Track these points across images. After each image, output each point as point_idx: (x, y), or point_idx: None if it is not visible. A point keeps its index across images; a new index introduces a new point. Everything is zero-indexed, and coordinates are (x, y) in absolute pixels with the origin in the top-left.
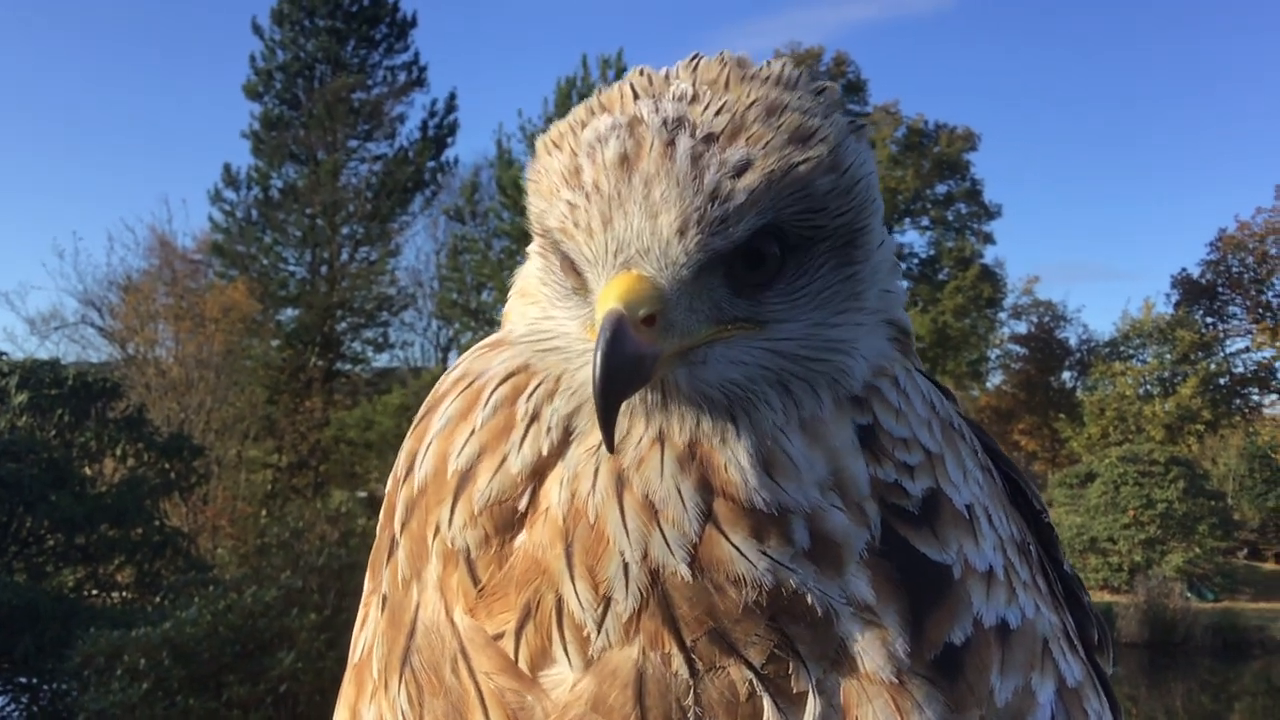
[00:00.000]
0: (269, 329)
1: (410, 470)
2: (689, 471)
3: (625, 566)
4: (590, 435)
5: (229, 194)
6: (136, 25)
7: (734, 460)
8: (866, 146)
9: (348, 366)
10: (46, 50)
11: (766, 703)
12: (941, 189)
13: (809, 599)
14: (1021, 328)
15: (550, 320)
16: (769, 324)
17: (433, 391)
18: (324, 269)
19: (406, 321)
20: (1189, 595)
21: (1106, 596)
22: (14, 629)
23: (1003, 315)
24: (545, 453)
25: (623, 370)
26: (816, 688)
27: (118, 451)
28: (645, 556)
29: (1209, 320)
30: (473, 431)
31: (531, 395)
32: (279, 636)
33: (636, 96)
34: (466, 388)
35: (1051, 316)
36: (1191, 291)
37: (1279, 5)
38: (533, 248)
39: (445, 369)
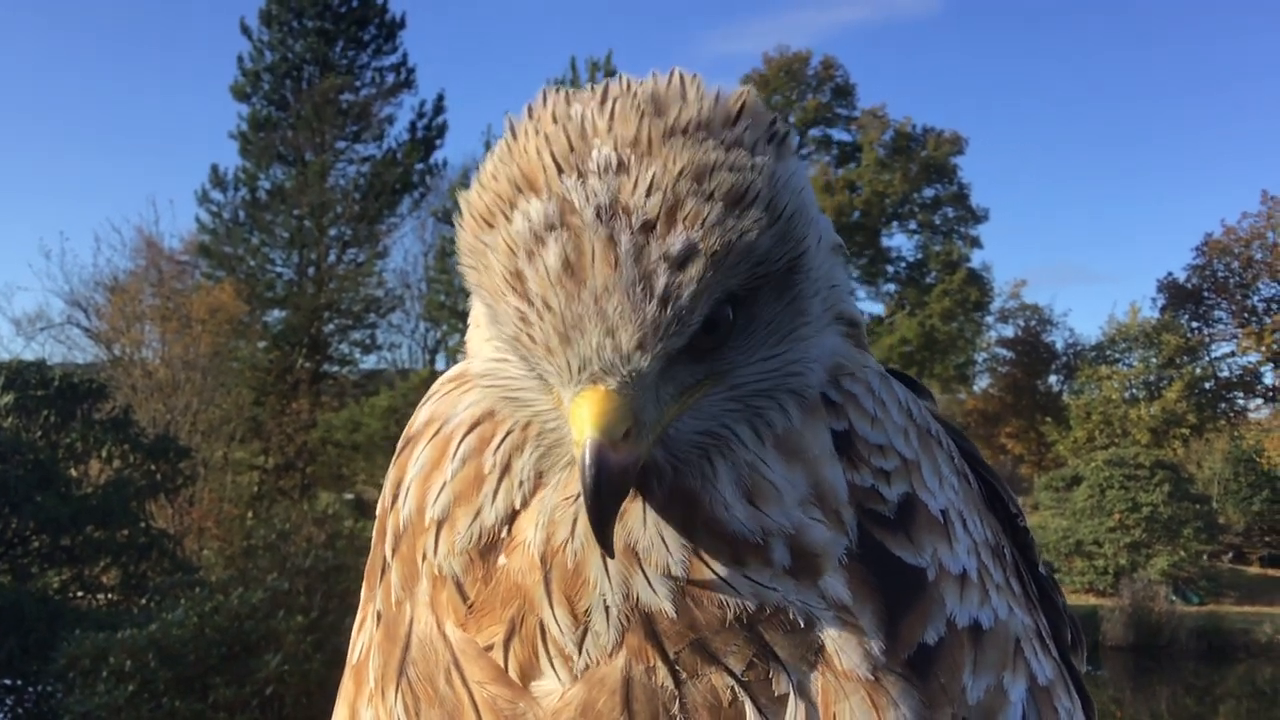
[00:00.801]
0: (256, 330)
1: (395, 500)
2: (672, 517)
3: (605, 603)
4: (568, 484)
5: (216, 195)
6: (124, 26)
7: (719, 499)
8: (793, 159)
9: (335, 368)
10: (33, 50)
11: (749, 707)
12: (929, 192)
13: (790, 613)
14: (1008, 331)
15: (506, 364)
16: (727, 373)
17: (409, 426)
18: (311, 270)
19: (394, 323)
20: (1174, 598)
21: (1092, 600)
22: None
23: (989, 319)
24: (518, 505)
25: (612, 488)
26: (797, 689)
27: (104, 453)
28: (627, 597)
29: (1195, 324)
30: (445, 483)
31: (499, 446)
32: (265, 638)
33: (560, 169)
34: (435, 434)
35: (1038, 320)
36: (1177, 296)
37: (1266, 9)
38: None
39: (434, 371)
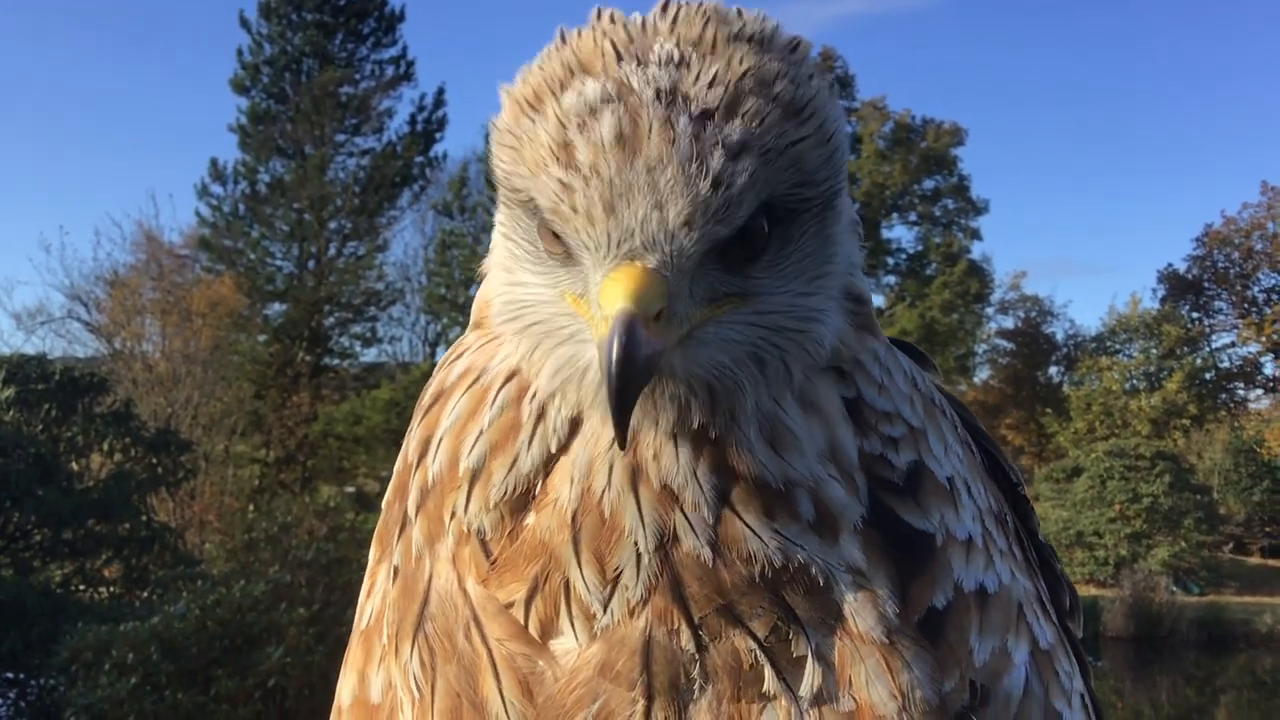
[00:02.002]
0: (256, 324)
1: (423, 457)
2: (704, 457)
3: (638, 555)
4: (604, 434)
5: (216, 188)
6: (123, 20)
7: (745, 440)
8: (838, 103)
9: (335, 361)
10: (31, 44)
11: (768, 671)
12: (929, 184)
13: (813, 570)
14: (1009, 323)
15: (520, 288)
16: (755, 296)
17: (439, 380)
18: (311, 264)
19: (394, 316)
20: (1174, 589)
21: (1092, 590)
22: (1, 625)
23: (990, 310)
24: (554, 450)
25: (637, 371)
26: (815, 652)
27: (105, 446)
28: (660, 544)
29: (1195, 315)
30: (481, 431)
31: (535, 396)
32: (267, 631)
33: (619, 56)
34: (473, 383)
35: (1038, 311)
36: (1178, 287)
37: (1265, 3)
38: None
39: (434, 364)
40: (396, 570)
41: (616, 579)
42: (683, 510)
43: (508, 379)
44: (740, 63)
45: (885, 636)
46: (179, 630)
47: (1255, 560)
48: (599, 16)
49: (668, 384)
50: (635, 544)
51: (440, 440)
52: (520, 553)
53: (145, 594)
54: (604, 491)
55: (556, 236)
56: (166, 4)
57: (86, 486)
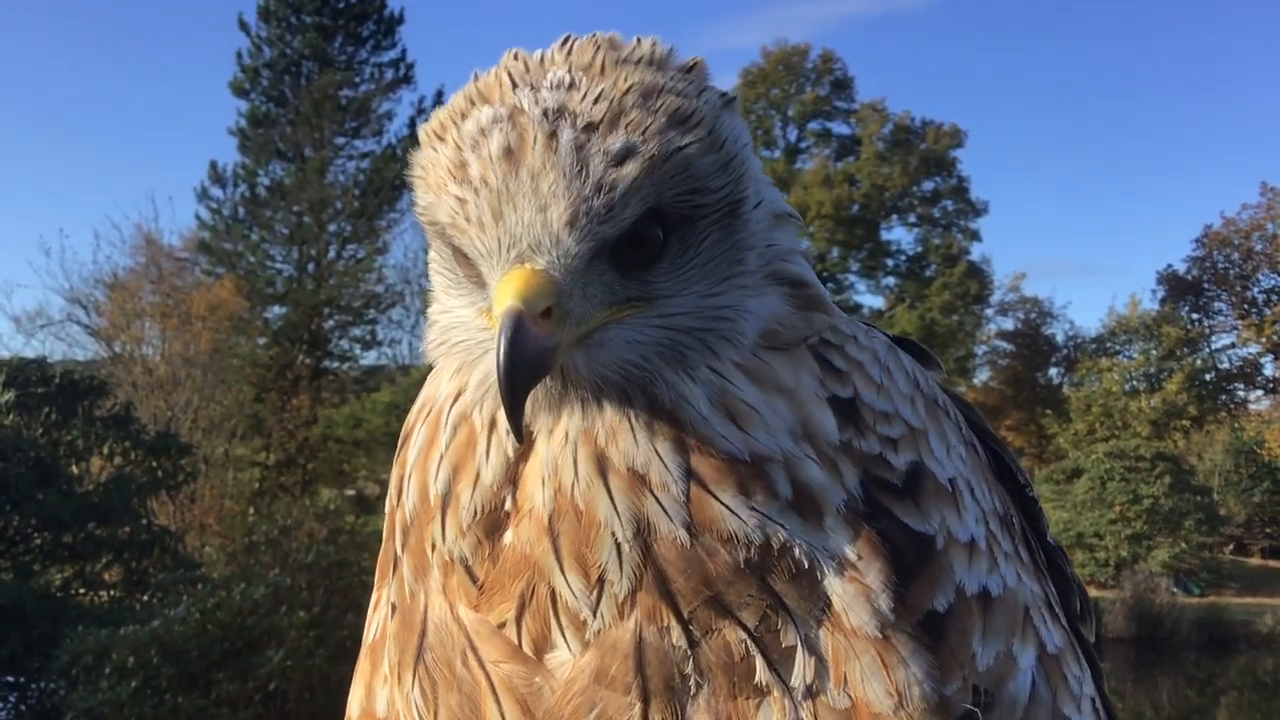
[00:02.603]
0: (256, 327)
1: (400, 495)
2: (661, 435)
3: (618, 547)
4: (556, 431)
5: (216, 191)
6: (122, 22)
7: (696, 414)
8: (739, 118)
9: (335, 364)
10: (32, 46)
11: (759, 662)
12: (928, 186)
13: (796, 551)
14: (1008, 324)
15: (447, 314)
16: (658, 300)
17: (405, 423)
18: (311, 266)
19: (394, 319)
20: (1175, 590)
21: (1093, 592)
22: (1, 628)
23: (989, 311)
24: (511, 455)
25: (526, 365)
26: (804, 643)
27: (105, 450)
28: (638, 532)
29: (1195, 316)
30: (441, 456)
31: (481, 407)
32: (268, 634)
33: (515, 85)
34: (428, 415)
35: (1038, 313)
36: (1177, 288)
37: (1265, 2)
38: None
39: (433, 368)
40: (394, 606)
41: (601, 580)
42: (652, 492)
43: (455, 399)
44: (625, 80)
45: (879, 631)
46: (179, 634)
47: (1256, 561)
48: (508, 55)
49: (575, 382)
50: (613, 535)
51: (410, 475)
52: (504, 572)
53: (145, 597)
54: (574, 485)
55: (468, 259)
56: (166, 6)
57: (87, 490)
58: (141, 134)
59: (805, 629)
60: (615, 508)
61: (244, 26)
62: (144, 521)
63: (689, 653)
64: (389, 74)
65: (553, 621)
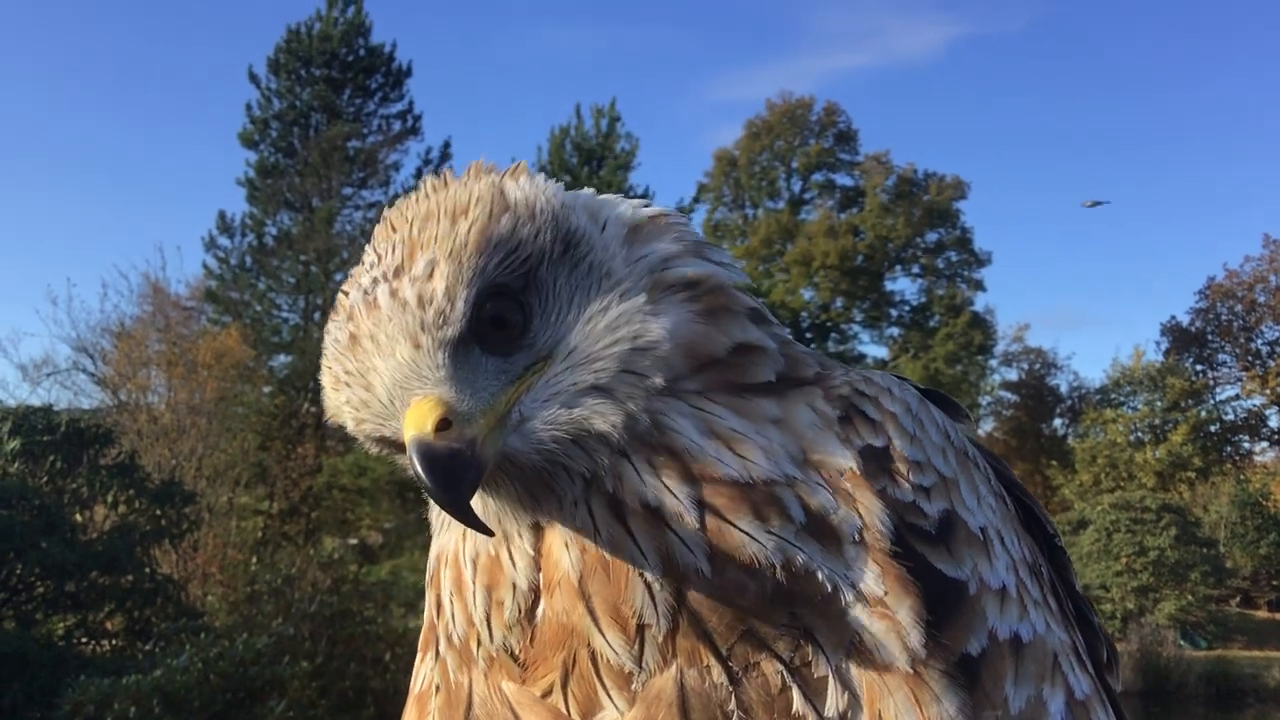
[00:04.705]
0: (261, 375)
1: (439, 610)
2: (662, 466)
3: (649, 588)
4: (565, 500)
5: (223, 241)
6: (132, 73)
7: (689, 443)
8: (528, 177)
9: None
10: (41, 96)
11: (796, 693)
12: (932, 237)
13: (819, 576)
14: (1012, 374)
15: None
16: (552, 354)
17: (428, 569)
18: (317, 315)
19: None
20: (1182, 643)
21: None
22: (3, 677)
23: (993, 362)
24: (532, 551)
25: (443, 472)
26: (836, 674)
27: (109, 498)
28: (666, 572)
29: (1199, 368)
30: (473, 581)
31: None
32: (270, 684)
33: (348, 294)
34: (449, 560)
35: (1042, 364)
36: (1181, 339)
37: (1266, 52)
38: None
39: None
40: (439, 686)
41: (641, 628)
42: (669, 525)
43: (464, 538)
44: (408, 220)
45: (910, 666)
46: (181, 683)
47: (1263, 614)
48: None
49: (534, 462)
50: (643, 578)
51: (450, 602)
52: (544, 644)
53: (148, 646)
54: (596, 538)
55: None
56: (176, 58)
57: (90, 538)
58: (150, 184)
59: (836, 659)
60: (639, 548)
61: (254, 78)
62: (147, 570)
63: (730, 689)
64: (396, 125)
65: (597, 683)
